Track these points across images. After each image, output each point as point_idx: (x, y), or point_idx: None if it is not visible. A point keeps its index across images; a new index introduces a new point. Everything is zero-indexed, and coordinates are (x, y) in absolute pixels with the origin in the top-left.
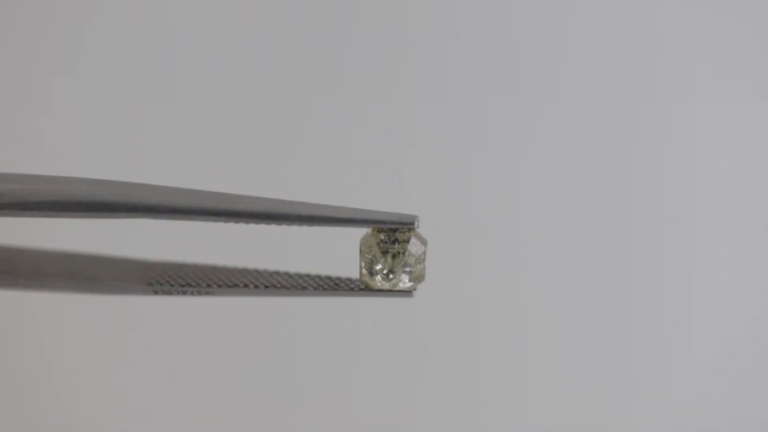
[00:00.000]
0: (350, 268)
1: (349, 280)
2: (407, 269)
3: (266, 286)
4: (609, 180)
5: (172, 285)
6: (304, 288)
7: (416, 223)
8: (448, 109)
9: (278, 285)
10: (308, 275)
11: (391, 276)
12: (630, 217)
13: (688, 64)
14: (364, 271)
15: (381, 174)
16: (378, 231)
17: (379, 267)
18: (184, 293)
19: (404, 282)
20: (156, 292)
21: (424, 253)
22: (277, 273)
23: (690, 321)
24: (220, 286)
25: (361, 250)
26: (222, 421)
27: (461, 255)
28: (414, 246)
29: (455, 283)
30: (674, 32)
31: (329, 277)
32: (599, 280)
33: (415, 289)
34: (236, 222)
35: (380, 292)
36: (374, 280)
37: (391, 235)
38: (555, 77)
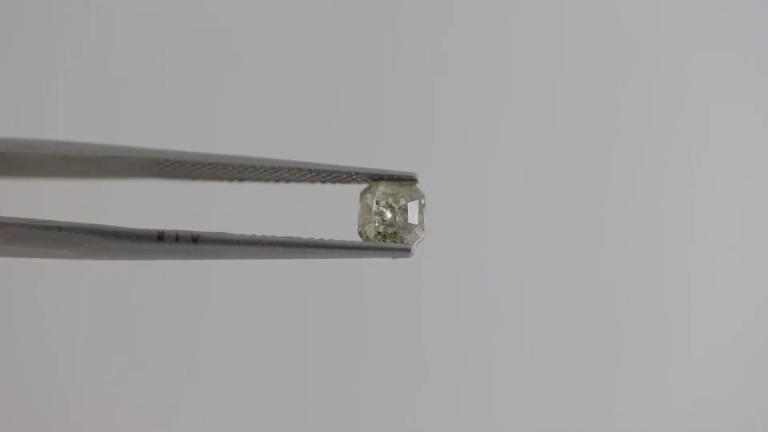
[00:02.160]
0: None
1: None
2: (407, 212)
3: (268, 242)
4: (610, 180)
5: (178, 231)
6: (306, 246)
7: (416, 178)
8: (449, 106)
9: (277, 242)
10: (310, 238)
11: (390, 218)
12: (630, 216)
13: (690, 64)
14: (362, 223)
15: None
16: (377, 185)
17: (377, 207)
18: (194, 240)
19: (404, 225)
20: (161, 238)
21: (424, 203)
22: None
23: (688, 319)
24: (227, 239)
25: (361, 201)
26: (224, 413)
27: (462, 257)
28: (415, 192)
29: (457, 284)
30: (675, 32)
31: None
32: (599, 279)
33: (414, 241)
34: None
35: (379, 248)
36: (374, 224)
37: (389, 190)
38: (559, 77)
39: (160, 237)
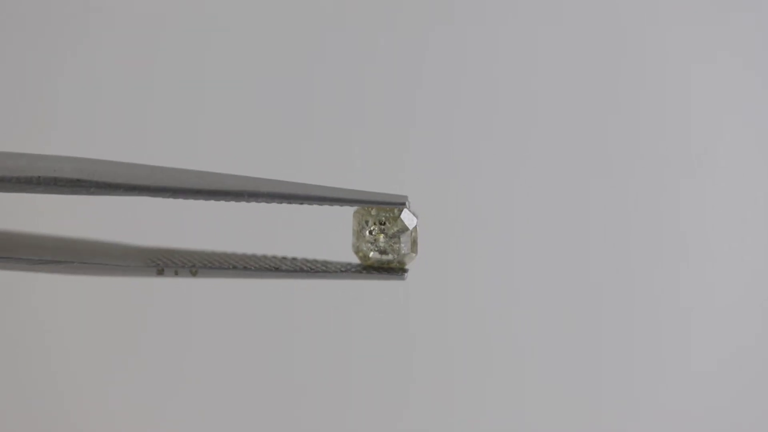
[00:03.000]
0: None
1: (344, 263)
2: (400, 240)
3: (267, 269)
4: (607, 187)
5: (176, 265)
6: (301, 271)
7: (407, 203)
8: (446, 102)
9: (278, 268)
10: (304, 259)
11: (383, 244)
12: (629, 222)
13: (690, 64)
14: (356, 242)
15: (378, 172)
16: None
17: (370, 236)
18: (193, 274)
19: (397, 252)
20: (161, 273)
21: (416, 226)
22: (275, 257)
23: (688, 330)
24: (225, 267)
25: (354, 218)
26: (221, 418)
27: (457, 258)
28: (406, 216)
29: (451, 288)
30: (675, 32)
31: (324, 261)
32: (597, 288)
33: (406, 268)
34: (234, 201)
35: (373, 271)
36: (366, 248)
37: (381, 212)
38: (558, 80)
39: (160, 272)
